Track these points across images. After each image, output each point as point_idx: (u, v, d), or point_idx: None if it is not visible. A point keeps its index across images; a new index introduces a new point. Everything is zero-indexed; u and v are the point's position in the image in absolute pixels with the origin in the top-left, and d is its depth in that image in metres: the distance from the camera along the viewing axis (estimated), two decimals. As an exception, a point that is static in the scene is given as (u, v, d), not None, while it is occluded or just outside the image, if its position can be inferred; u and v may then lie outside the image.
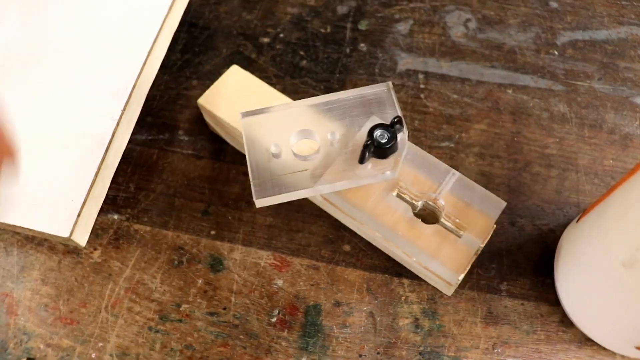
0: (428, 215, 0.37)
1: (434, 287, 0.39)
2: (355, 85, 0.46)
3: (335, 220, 0.41)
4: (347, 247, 0.40)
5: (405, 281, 0.39)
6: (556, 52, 0.48)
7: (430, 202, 0.37)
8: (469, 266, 0.35)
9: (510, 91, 0.46)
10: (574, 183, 0.42)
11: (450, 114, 0.45)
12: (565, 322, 0.39)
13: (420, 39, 0.49)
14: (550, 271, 0.40)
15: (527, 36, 0.49)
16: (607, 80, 0.47)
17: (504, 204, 0.36)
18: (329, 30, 0.49)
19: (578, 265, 0.35)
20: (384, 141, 0.34)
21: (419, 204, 0.37)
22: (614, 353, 0.38)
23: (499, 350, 0.38)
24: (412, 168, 0.37)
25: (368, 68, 0.47)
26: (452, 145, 0.44)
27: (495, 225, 0.35)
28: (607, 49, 0.48)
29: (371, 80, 0.46)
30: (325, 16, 0.50)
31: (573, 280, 0.36)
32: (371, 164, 0.35)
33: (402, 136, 0.35)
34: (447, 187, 0.36)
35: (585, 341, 0.38)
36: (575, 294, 0.37)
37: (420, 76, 0.47)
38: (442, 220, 0.36)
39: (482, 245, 0.35)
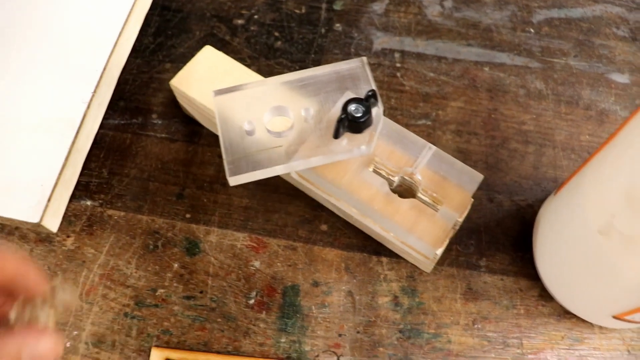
0: (405, 191, 0.37)
1: (412, 265, 0.39)
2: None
3: (312, 200, 0.40)
4: (324, 227, 0.40)
5: (384, 259, 0.39)
6: (532, 30, 0.48)
7: (407, 177, 0.36)
8: (447, 240, 0.34)
9: (486, 69, 0.46)
10: (551, 159, 0.42)
11: (427, 92, 0.44)
12: (545, 296, 0.38)
13: (396, 18, 0.48)
14: (529, 246, 0.39)
15: (503, 14, 0.49)
16: (582, 57, 0.47)
17: (481, 177, 0.35)
18: (303, 10, 0.49)
19: (556, 237, 0.35)
20: (358, 115, 0.33)
21: (396, 179, 0.36)
22: (592, 324, 0.38)
23: (479, 326, 0.37)
24: (388, 143, 0.37)
25: (344, 48, 0.47)
26: (429, 122, 0.43)
27: (472, 199, 0.35)
28: (583, 27, 0.48)
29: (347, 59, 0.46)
30: (300, -2, 0.50)
31: (551, 253, 0.36)
32: (346, 139, 0.35)
33: (377, 111, 0.35)
34: (423, 161, 0.36)
35: (564, 314, 0.38)
36: (554, 267, 0.37)
37: (397, 55, 0.46)
38: (419, 194, 0.35)
39: (460, 219, 0.34)
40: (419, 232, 0.34)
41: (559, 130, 0.43)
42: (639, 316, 0.33)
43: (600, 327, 0.38)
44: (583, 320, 0.38)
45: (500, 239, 0.40)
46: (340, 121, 0.33)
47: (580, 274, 0.34)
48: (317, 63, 0.46)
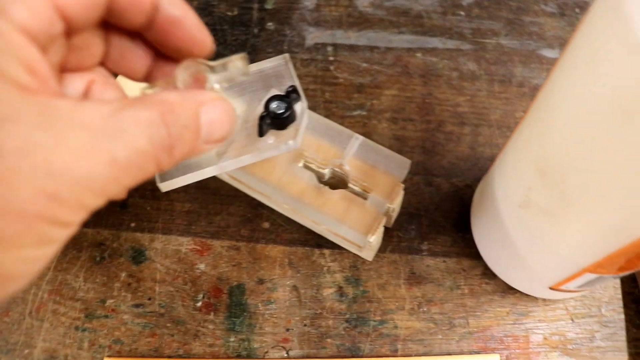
0: (338, 182, 0.38)
1: (355, 255, 0.39)
2: (265, 65, 0.46)
3: (253, 199, 0.41)
4: (266, 224, 0.40)
5: (326, 251, 0.39)
6: (462, 13, 0.48)
7: (337, 169, 0.37)
8: (380, 227, 0.35)
9: (419, 54, 0.46)
10: (487, 138, 0.43)
11: (361, 83, 0.45)
12: (488, 274, 0.39)
13: (327, 12, 0.49)
14: (468, 226, 0.40)
15: (433, 0, 0.49)
16: (513, 35, 0.47)
17: (408, 162, 0.36)
18: (235, 12, 0.49)
19: (487, 214, 0.36)
20: (280, 112, 0.34)
21: (327, 171, 0.37)
22: (536, 298, 0.39)
23: (425, 309, 0.38)
24: (315, 137, 0.37)
25: (277, 46, 0.47)
26: (364, 113, 0.44)
27: (403, 185, 0.36)
28: (512, 6, 0.49)
29: (280, 57, 0.46)
30: (233, -1, 0.50)
31: (486, 231, 0.37)
32: (273, 136, 0.35)
33: (301, 105, 0.35)
34: (351, 151, 0.36)
35: (508, 290, 0.39)
36: (490, 245, 0.37)
37: (329, 49, 0.47)
38: (350, 185, 0.36)
39: (393, 206, 0.35)
40: (350, 222, 0.34)
41: (494, 109, 0.44)
42: (573, 284, 0.33)
43: (544, 300, 0.39)
44: (527, 295, 0.39)
45: (440, 222, 0.40)
46: (262, 118, 0.34)
47: (512, 249, 0.34)
48: (251, 63, 0.46)
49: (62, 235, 0.18)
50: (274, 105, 0.34)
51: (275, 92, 0.36)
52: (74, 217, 0.18)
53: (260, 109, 0.36)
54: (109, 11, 0.22)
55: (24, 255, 0.17)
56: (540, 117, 0.27)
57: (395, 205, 0.35)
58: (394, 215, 0.38)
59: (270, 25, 0.48)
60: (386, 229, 0.40)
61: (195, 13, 0.25)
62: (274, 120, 0.34)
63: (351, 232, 0.34)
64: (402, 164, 0.36)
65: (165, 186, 0.34)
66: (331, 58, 0.46)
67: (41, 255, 0.18)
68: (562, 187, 0.26)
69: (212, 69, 0.26)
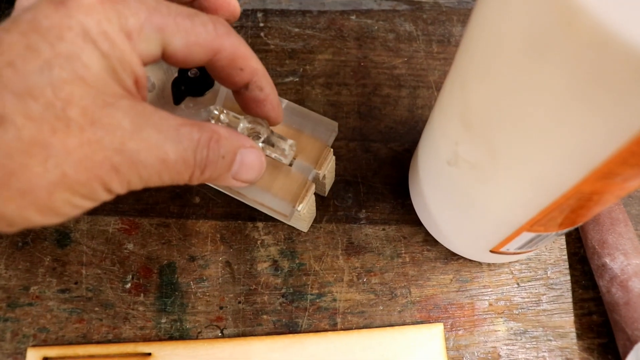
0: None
1: (290, 227, 0.37)
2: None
3: (181, 173, 0.39)
4: (196, 199, 0.38)
5: (260, 224, 0.38)
6: (399, -28, 0.47)
7: (256, 125, 0.34)
8: (308, 195, 0.33)
9: (353, 17, 0.44)
10: (426, 100, 0.41)
11: (293, 49, 0.43)
12: (429, 240, 0.38)
13: (257, -24, 0.46)
14: (408, 192, 0.38)
15: (368, -40, 0.47)
16: (452, -7, 0.46)
17: (335, 124, 0.34)
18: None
19: (421, 177, 0.34)
20: (195, 76, 0.32)
21: (242, 124, 0.35)
22: (480, 263, 0.37)
23: (365, 280, 0.37)
24: (236, 104, 0.35)
25: (205, 13, 0.45)
26: (297, 79, 0.42)
27: (331, 149, 0.34)
28: (450, -37, 0.47)
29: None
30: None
31: (424, 195, 0.36)
32: (191, 104, 0.33)
33: None
34: None
35: (451, 256, 0.37)
36: (429, 209, 0.36)
37: (259, 15, 0.44)
38: (268, 150, 0.34)
39: (320, 172, 0.33)
40: (275, 190, 0.32)
41: (432, 70, 0.42)
42: (513, 245, 0.32)
43: (489, 265, 0.37)
44: (470, 260, 0.37)
45: (379, 189, 0.39)
46: (175, 84, 0.32)
47: (448, 212, 0.33)
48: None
49: (101, 199, 0.23)
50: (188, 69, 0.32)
51: None
52: (117, 190, 0.23)
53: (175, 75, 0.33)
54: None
55: (72, 201, 0.21)
56: (461, 68, 0.26)
57: (325, 171, 0.33)
58: (327, 182, 0.36)
59: (197, -8, 0.46)
60: (321, 198, 0.38)
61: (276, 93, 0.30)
62: (190, 87, 0.32)
63: (277, 201, 0.32)
64: (329, 127, 0.34)
65: None
66: (261, 24, 0.44)
67: (79, 207, 0.22)
68: (487, 138, 0.25)
69: (267, 136, 0.30)
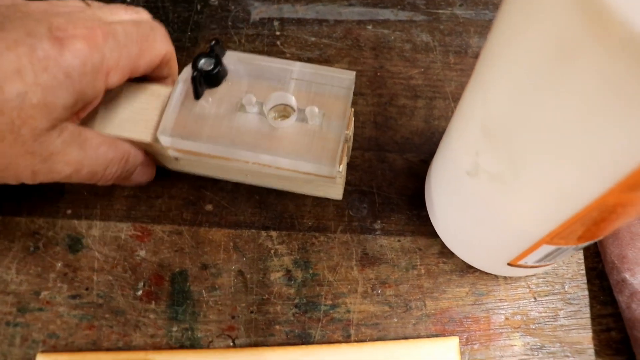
0: (285, 118, 0.35)
1: (304, 236, 0.37)
2: (208, 42, 0.44)
3: (195, 180, 0.38)
4: (209, 207, 0.38)
5: (273, 233, 0.37)
6: (416, -17, 0.46)
7: (282, 104, 0.34)
8: (345, 156, 0.32)
9: (370, 27, 0.44)
10: (443, 111, 0.41)
11: (309, 57, 0.43)
12: (445, 252, 0.37)
13: (274, -15, 0.46)
14: (424, 203, 0.38)
15: (385, -29, 0.47)
16: (468, 5, 0.45)
17: (353, 73, 0.33)
18: (178, -12, 0.47)
19: (439, 188, 0.34)
20: (210, 68, 0.32)
21: (272, 110, 0.34)
22: (496, 276, 0.37)
23: (379, 292, 0.36)
24: (251, 79, 0.34)
25: (220, 22, 0.45)
26: (313, 88, 0.42)
27: (352, 109, 0.33)
28: (467, -25, 0.47)
29: (224, 34, 0.44)
30: (177, -24, 0.48)
31: (441, 206, 0.35)
32: (209, 97, 0.33)
33: (230, 55, 0.34)
34: (291, 82, 0.34)
35: (467, 269, 0.37)
36: (445, 220, 0.35)
37: (276, 23, 0.44)
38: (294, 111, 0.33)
39: (348, 132, 0.33)
40: (313, 155, 0.31)
41: (449, 81, 0.42)
42: (531, 259, 0.32)
43: (505, 278, 0.37)
44: (487, 273, 0.37)
45: (394, 199, 0.38)
46: (193, 79, 0.32)
47: (466, 223, 0.33)
48: (194, 41, 0.44)
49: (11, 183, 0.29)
50: (201, 62, 0.33)
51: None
52: (28, 182, 0.29)
53: (188, 72, 0.34)
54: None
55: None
56: (483, 76, 0.26)
57: (351, 132, 0.33)
58: (350, 145, 0.36)
59: (213, 1, 0.46)
60: (337, 207, 0.38)
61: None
62: (207, 79, 0.32)
63: (317, 165, 0.31)
64: (347, 79, 0.33)
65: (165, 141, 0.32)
66: (278, 33, 0.44)
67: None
68: (508, 148, 0.24)
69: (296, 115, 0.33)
